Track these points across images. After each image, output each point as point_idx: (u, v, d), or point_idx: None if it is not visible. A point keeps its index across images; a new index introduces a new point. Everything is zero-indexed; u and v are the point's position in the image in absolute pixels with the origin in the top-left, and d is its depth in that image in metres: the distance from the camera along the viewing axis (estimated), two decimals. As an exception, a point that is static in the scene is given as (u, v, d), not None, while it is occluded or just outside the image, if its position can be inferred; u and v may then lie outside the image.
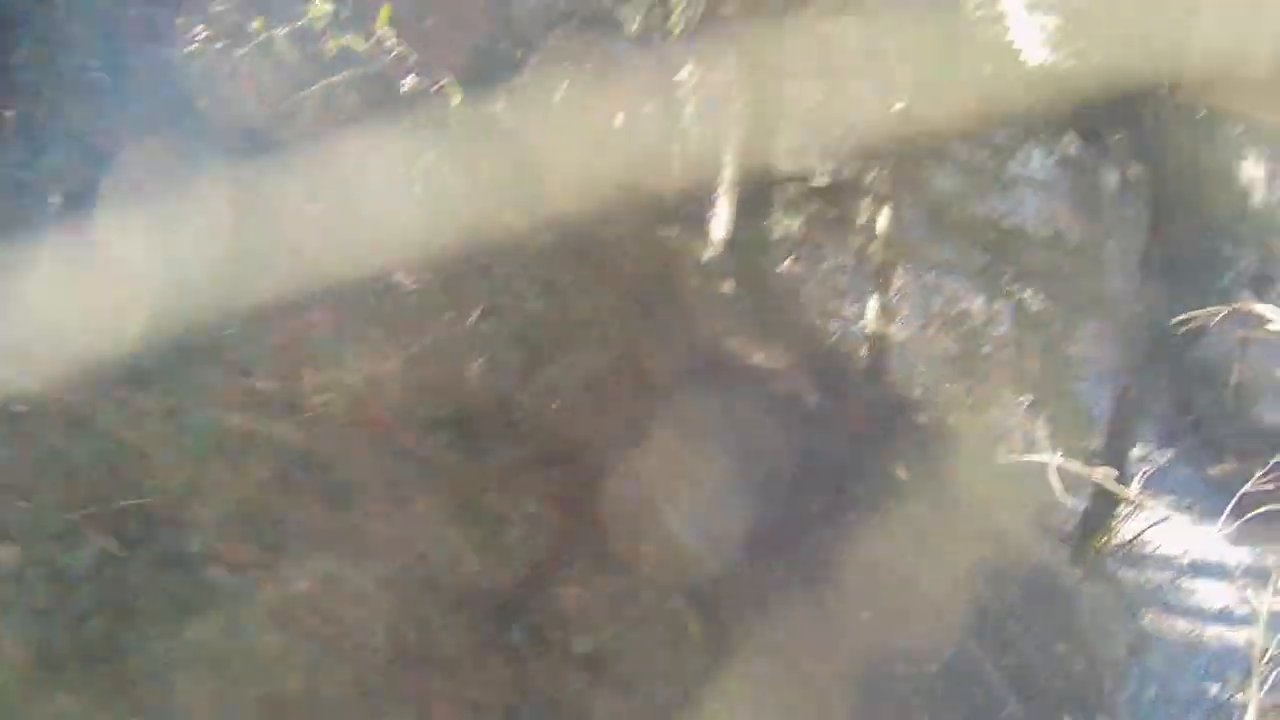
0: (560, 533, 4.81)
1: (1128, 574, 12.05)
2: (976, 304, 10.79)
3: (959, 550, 7.08)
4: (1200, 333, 11.19)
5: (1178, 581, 12.59)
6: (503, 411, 5.32)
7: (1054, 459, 8.11)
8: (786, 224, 10.57)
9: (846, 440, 7.69)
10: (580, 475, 5.24)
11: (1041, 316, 10.17)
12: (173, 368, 3.91)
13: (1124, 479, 11.01)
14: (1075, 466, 8.98)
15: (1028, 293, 10.11)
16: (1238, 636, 11.11)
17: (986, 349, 10.41)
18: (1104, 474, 9.05)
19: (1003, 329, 10.46)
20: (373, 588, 3.86)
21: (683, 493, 6.11)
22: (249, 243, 4.72)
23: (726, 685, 5.04)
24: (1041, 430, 9.85)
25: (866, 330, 10.71)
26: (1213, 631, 11.71)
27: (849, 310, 11.45)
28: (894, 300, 10.77)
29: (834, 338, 10.50)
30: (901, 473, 7.69)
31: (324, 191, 5.17)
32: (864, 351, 10.65)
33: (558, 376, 5.68)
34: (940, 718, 5.60)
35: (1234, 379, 12.10)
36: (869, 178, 10.20)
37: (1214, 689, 10.39)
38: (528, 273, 6.26)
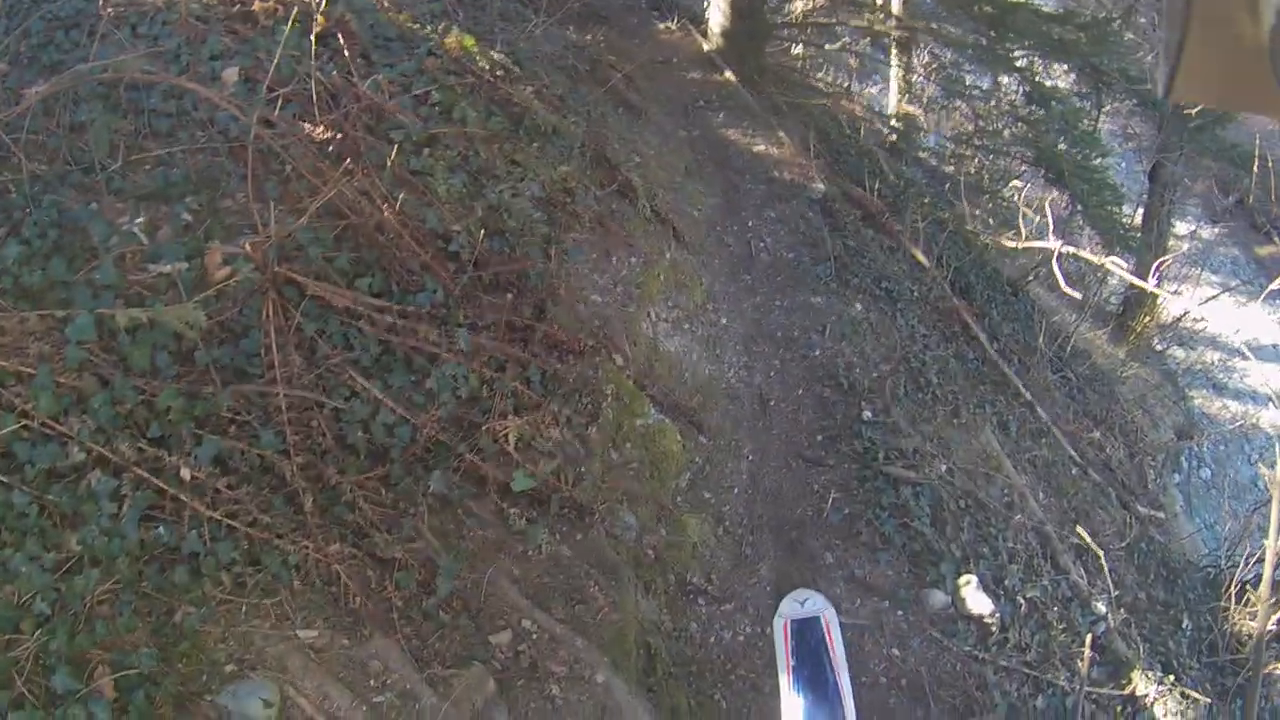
0: (500, 365, 4.17)
1: (1176, 353, 11.46)
2: (985, 80, 10.12)
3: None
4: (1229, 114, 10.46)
5: (1229, 362, 12.06)
6: (438, 246, 4.62)
7: (1057, 245, 7.42)
8: (793, 6, 9.99)
9: (856, 226, 6.97)
10: (529, 298, 4.57)
11: (1056, 92, 9.55)
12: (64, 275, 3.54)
13: (1161, 253, 10.31)
14: (1080, 253, 8.30)
15: (1036, 67, 9.49)
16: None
17: (1000, 125, 9.70)
18: (1112, 261, 8.37)
19: (1016, 105, 9.74)
20: (273, 459, 3.31)
21: (663, 300, 5.45)
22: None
23: (711, 496, 4.50)
24: (1066, 205, 9.16)
25: (878, 109, 10.45)
26: (1268, 415, 11.17)
27: (864, 90, 11.11)
28: (909, 78, 10.50)
29: (846, 120, 9.79)
30: (918, 256, 6.94)
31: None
32: (881, 131, 10.35)
33: (506, 198, 4.95)
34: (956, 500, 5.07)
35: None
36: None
37: (1267, 475, 10.05)
38: (480, 90, 5.43)
